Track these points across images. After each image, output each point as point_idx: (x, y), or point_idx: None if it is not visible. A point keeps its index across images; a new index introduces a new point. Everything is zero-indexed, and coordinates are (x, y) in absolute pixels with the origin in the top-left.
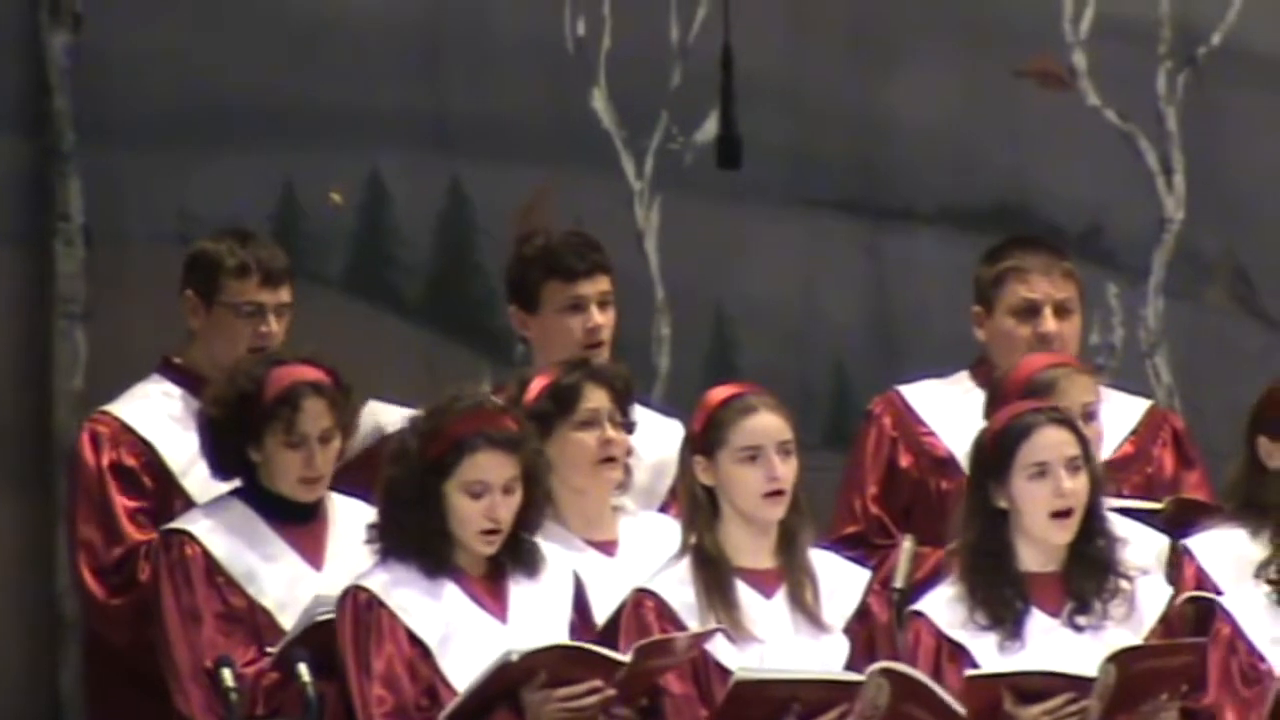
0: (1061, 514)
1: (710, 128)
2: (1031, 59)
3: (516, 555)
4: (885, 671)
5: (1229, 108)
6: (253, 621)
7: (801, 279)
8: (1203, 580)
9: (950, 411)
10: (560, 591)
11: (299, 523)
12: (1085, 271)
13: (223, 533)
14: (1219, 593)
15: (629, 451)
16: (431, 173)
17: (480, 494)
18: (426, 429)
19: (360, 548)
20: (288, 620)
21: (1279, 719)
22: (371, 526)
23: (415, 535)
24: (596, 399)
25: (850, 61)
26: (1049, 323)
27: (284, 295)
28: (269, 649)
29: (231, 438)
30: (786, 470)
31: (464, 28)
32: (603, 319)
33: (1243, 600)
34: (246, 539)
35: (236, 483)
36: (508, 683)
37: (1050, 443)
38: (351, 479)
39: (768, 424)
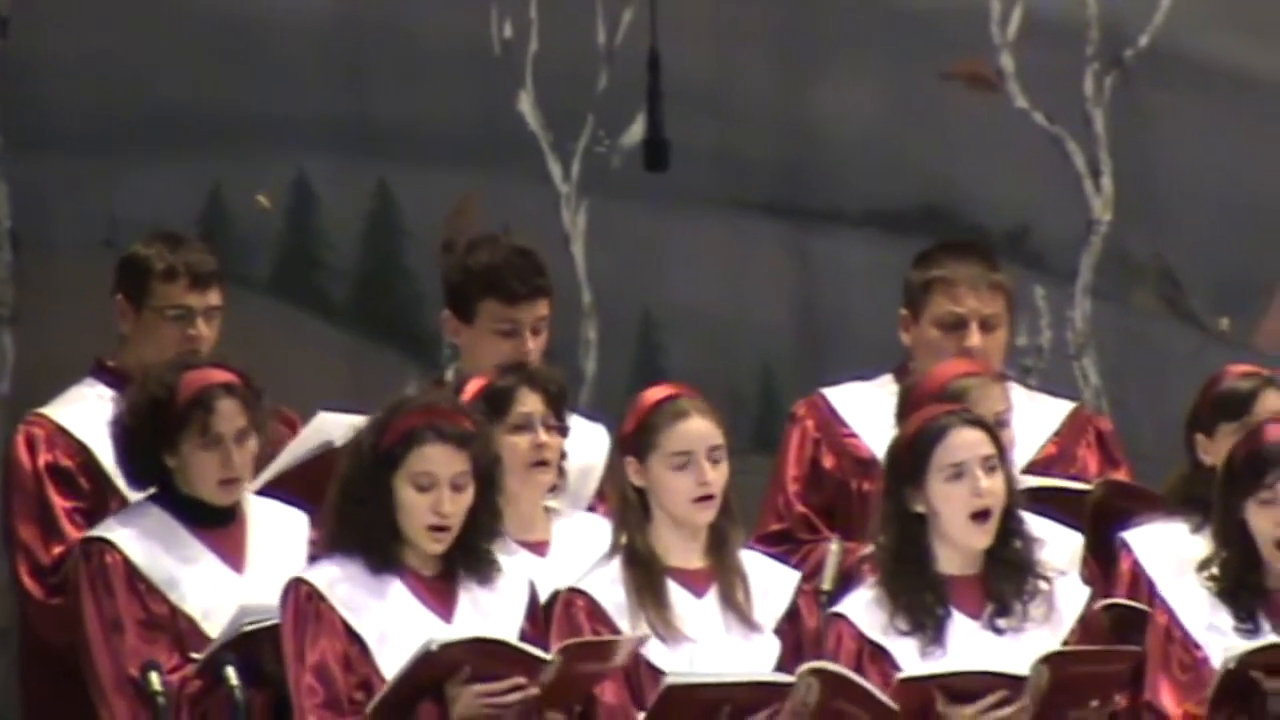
0: (980, 515)
1: (637, 131)
2: (958, 61)
3: (470, 562)
4: (815, 671)
5: (1157, 109)
6: (175, 629)
7: (728, 282)
8: (1139, 574)
9: (873, 413)
10: (514, 598)
11: (217, 526)
12: (1012, 273)
13: (142, 539)
14: (1154, 586)
15: (562, 455)
16: (358, 176)
17: (427, 487)
18: (380, 423)
19: (281, 549)
20: (210, 626)
21: (1222, 705)
22: (322, 520)
23: (364, 530)
24: (530, 403)
25: (777, 64)
26: (974, 337)
27: (213, 298)
28: (193, 656)
29: (146, 445)
30: (717, 476)
31: (390, 32)
32: (534, 345)
33: (1180, 591)
34: (166, 545)
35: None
36: (432, 676)
37: (965, 443)
38: (290, 488)
39: (699, 429)
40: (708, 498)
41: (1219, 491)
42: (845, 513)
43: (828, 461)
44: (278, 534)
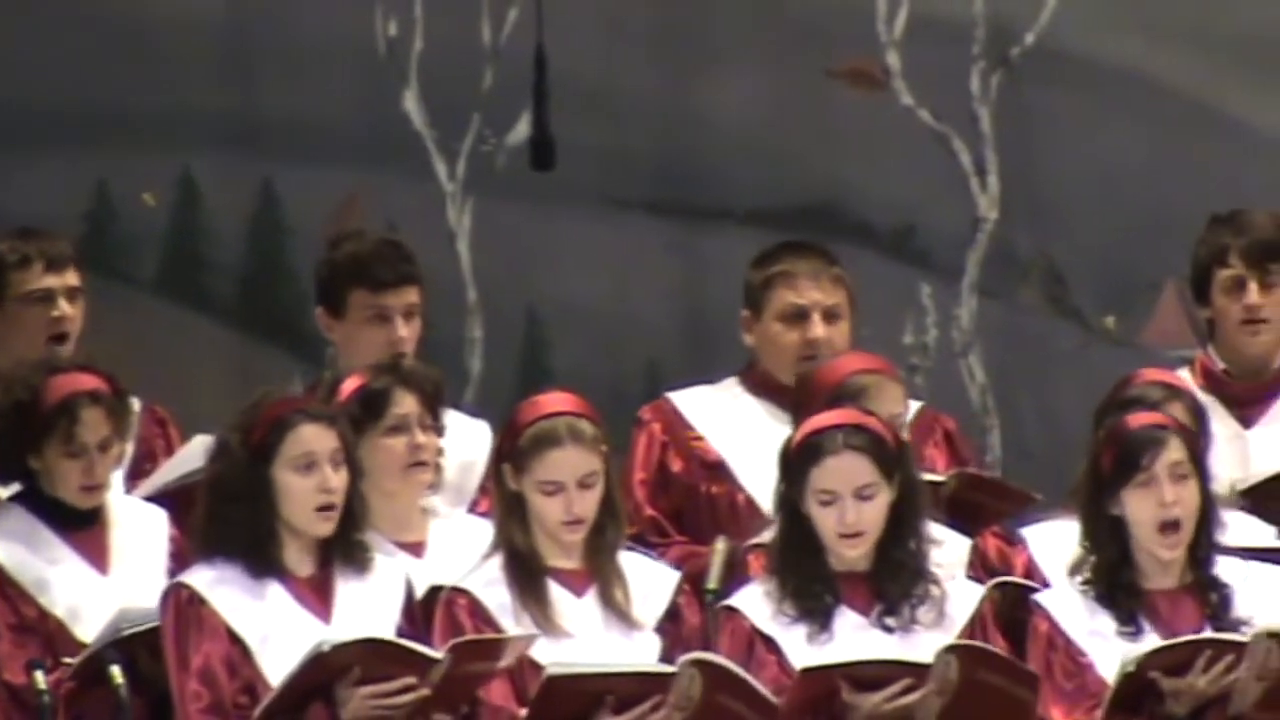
0: (849, 536)
1: (523, 129)
2: (845, 59)
3: (346, 553)
4: (697, 662)
5: (1043, 108)
6: (45, 631)
7: (614, 280)
8: (1033, 571)
9: (720, 417)
10: (390, 595)
11: (81, 528)
12: (898, 271)
13: (7, 542)
14: (1047, 584)
15: (439, 453)
16: (243, 174)
17: (309, 467)
18: (244, 421)
19: (144, 547)
20: (79, 628)
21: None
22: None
23: (243, 532)
24: (406, 404)
25: (662, 63)
26: (817, 328)
27: (71, 278)
28: (65, 660)
29: (10, 446)
30: (585, 506)
31: (275, 29)
32: (406, 332)
33: (1060, 597)
34: (31, 546)
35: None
36: (322, 677)
37: (838, 470)
38: (164, 503)
39: (570, 461)
40: (576, 522)
41: (1086, 493)
42: (694, 516)
43: (676, 465)
44: (140, 533)
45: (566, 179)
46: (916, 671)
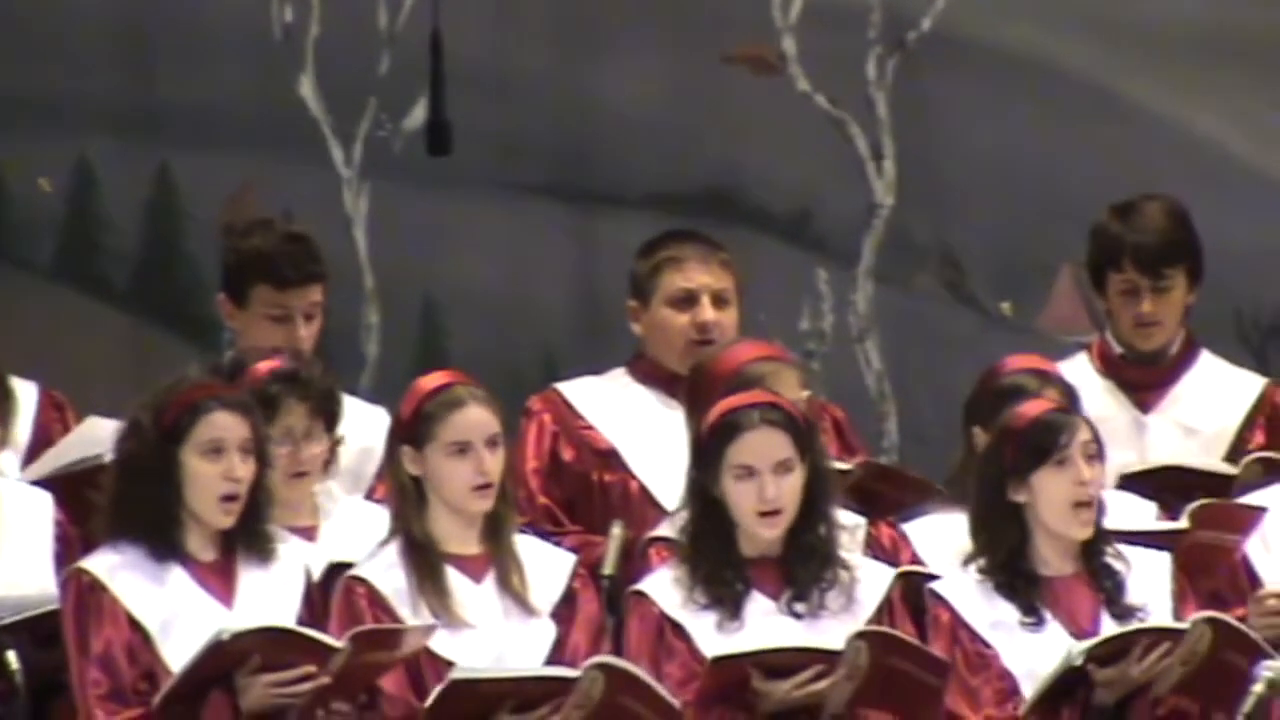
0: (768, 514)
1: (419, 114)
2: (741, 45)
3: (250, 542)
4: (600, 666)
5: (939, 93)
6: None
7: (510, 265)
8: (917, 565)
9: (610, 406)
10: (291, 583)
11: None
12: (795, 257)
13: None
14: (930, 577)
15: (331, 452)
16: (140, 159)
17: (218, 454)
18: (159, 401)
19: (28, 530)
20: None
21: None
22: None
23: (148, 512)
24: (295, 415)
25: (559, 47)
26: (706, 312)
27: None
28: None
29: None
30: (494, 464)
31: (172, 14)
32: (305, 331)
33: (958, 586)
34: None
35: None
36: (221, 665)
37: (758, 446)
38: (56, 493)
39: (477, 418)
40: (486, 486)
41: (986, 481)
42: (587, 504)
43: (567, 454)
44: (23, 516)
45: (463, 164)
46: (827, 658)
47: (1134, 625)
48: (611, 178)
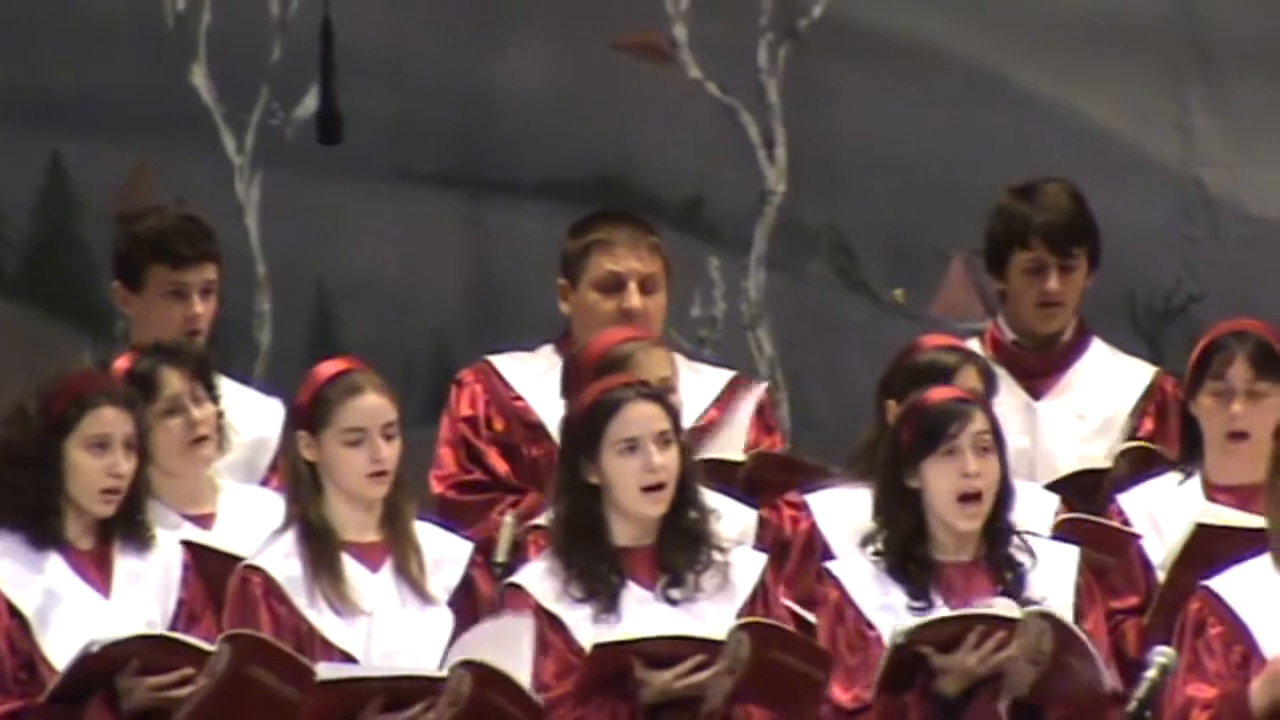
0: (653, 488)
1: (311, 102)
2: (633, 32)
3: (129, 530)
4: (467, 664)
5: (830, 80)
6: None
7: (403, 253)
8: (814, 538)
9: (538, 381)
10: (169, 571)
11: None
12: (687, 244)
13: None
14: (829, 554)
15: (219, 417)
16: (30, 148)
17: (102, 449)
18: (47, 390)
19: None
20: None
21: (898, 670)
22: None
23: (27, 500)
24: (174, 383)
25: (451, 34)
26: (634, 298)
27: None
28: None
29: None
30: (390, 452)
31: (64, 2)
32: (203, 309)
33: (851, 567)
34: None
35: None
36: (101, 670)
37: (639, 417)
38: None
39: (373, 405)
40: (381, 474)
41: (885, 463)
42: (517, 476)
43: (498, 424)
44: None
45: (355, 151)
46: (708, 648)
47: (967, 610)
48: (503, 165)
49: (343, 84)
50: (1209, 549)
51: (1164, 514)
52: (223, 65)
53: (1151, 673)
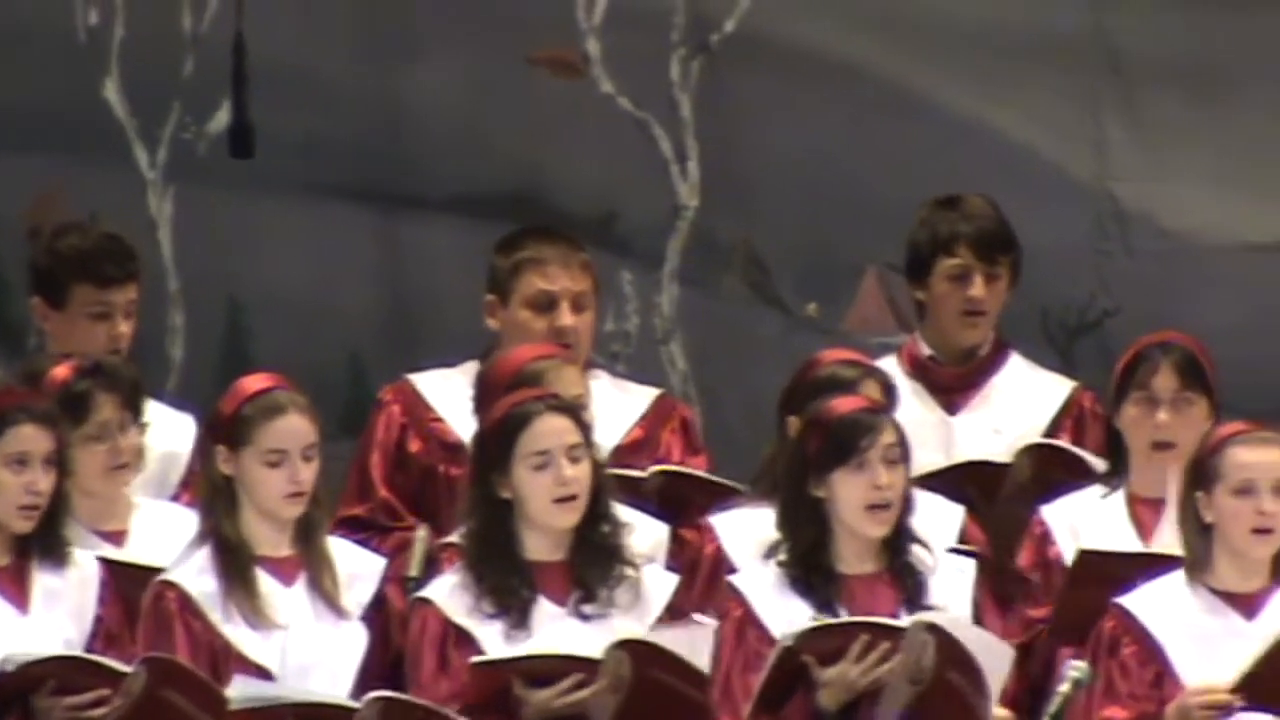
0: (565, 500)
1: (223, 117)
2: (545, 47)
3: (47, 547)
4: (378, 699)
5: (742, 95)
6: None
7: (316, 268)
8: (721, 559)
9: (459, 399)
10: (87, 588)
11: None
12: (599, 259)
13: None
14: (734, 571)
15: (140, 450)
16: None
17: (22, 465)
18: None
19: None
20: None
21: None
22: None
23: None
24: (107, 409)
25: (364, 49)
26: (566, 316)
27: None
28: None
29: None
30: (309, 474)
31: None
32: (125, 328)
33: (755, 580)
34: None
35: None
36: (16, 687)
37: (550, 430)
38: None
39: (295, 427)
40: (299, 494)
41: (789, 475)
42: (433, 498)
43: (414, 446)
44: None
45: (268, 166)
46: (587, 666)
47: (855, 618)
48: (416, 180)
49: (255, 98)
50: (1096, 573)
51: (1086, 527)
52: (135, 79)
53: (1064, 687)
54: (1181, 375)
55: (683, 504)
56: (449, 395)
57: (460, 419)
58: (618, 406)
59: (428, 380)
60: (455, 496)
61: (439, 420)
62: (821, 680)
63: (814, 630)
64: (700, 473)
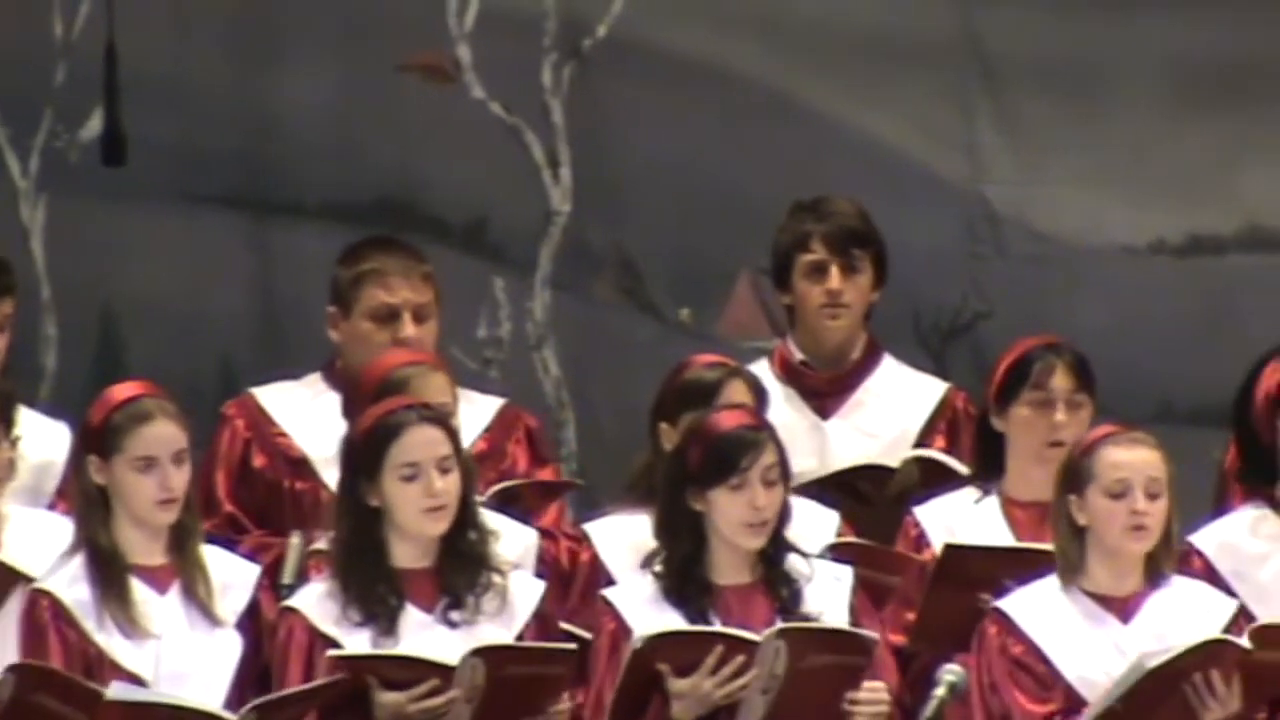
0: (434, 511)
1: (95, 125)
2: (416, 53)
3: None
4: (255, 707)
5: (615, 100)
6: None
7: (188, 276)
8: (597, 568)
9: (304, 413)
10: None
11: None
12: (471, 265)
13: None
14: (613, 581)
15: (11, 464)
16: None
17: None
18: None
19: None
20: None
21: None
22: None
23: None
24: None
25: (234, 56)
26: (408, 328)
27: None
28: None
29: None
30: (180, 479)
31: None
32: (1, 342)
33: (628, 593)
34: None
35: None
36: None
37: (421, 442)
38: None
39: (163, 433)
40: (171, 501)
41: (667, 486)
42: (278, 512)
43: (259, 460)
44: None
45: (140, 174)
46: (443, 672)
47: (706, 627)
48: (288, 187)
49: (127, 106)
50: (961, 569)
51: (961, 529)
52: (6, 88)
53: (940, 690)
54: (1076, 376)
55: (519, 504)
56: (292, 409)
57: (304, 433)
58: (462, 418)
59: (271, 394)
60: (300, 511)
61: (283, 435)
62: (673, 691)
63: (664, 636)
64: (565, 482)
